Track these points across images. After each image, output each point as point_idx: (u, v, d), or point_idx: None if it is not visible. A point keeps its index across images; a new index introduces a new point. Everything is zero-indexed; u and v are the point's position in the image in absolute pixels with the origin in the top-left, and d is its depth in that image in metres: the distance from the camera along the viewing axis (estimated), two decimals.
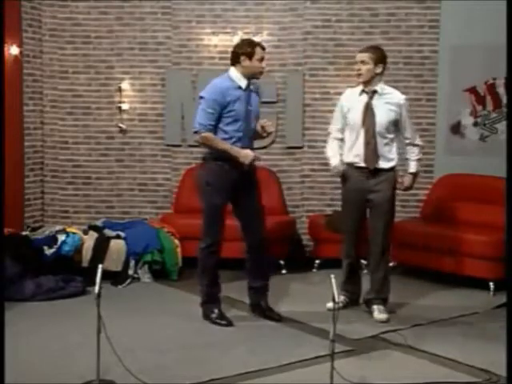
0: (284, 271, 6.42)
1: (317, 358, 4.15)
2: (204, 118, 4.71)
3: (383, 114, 4.89)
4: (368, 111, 4.89)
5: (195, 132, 4.79)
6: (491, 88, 6.67)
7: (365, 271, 5.47)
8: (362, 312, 5.14)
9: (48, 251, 5.81)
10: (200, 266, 4.96)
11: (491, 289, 5.69)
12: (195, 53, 6.95)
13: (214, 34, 6.91)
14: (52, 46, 6.95)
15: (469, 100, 6.74)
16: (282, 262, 6.43)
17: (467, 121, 6.76)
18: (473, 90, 6.72)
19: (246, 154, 4.71)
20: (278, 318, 5.00)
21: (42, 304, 5.31)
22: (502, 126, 6.64)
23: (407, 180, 5.12)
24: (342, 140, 5.08)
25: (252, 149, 4.87)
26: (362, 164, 4.94)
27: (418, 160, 5.12)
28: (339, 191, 6.90)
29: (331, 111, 6.86)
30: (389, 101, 4.91)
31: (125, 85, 6.96)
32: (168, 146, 7.03)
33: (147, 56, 6.96)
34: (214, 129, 4.74)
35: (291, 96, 6.89)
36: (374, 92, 4.92)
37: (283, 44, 6.87)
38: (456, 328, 4.89)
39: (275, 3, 6.87)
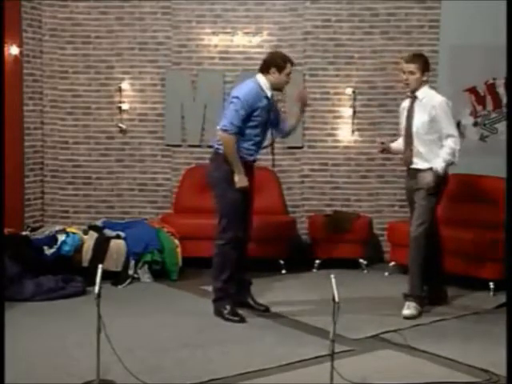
0: (284, 271, 6.42)
1: (317, 357, 4.14)
2: (237, 119, 4.81)
3: (419, 117, 5.05)
4: (409, 115, 5.11)
5: (224, 130, 4.83)
6: (491, 88, 6.68)
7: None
8: (362, 311, 5.14)
9: (48, 251, 5.81)
10: (220, 261, 4.97)
11: (491, 289, 5.69)
12: (195, 53, 6.95)
13: (214, 33, 6.91)
14: (52, 46, 6.95)
15: (469, 100, 6.74)
16: (282, 262, 6.43)
17: (467, 121, 6.76)
18: (473, 90, 6.72)
19: (243, 180, 4.84)
20: (265, 309, 5.12)
21: (42, 304, 5.31)
22: (502, 126, 6.64)
23: (426, 176, 5.03)
24: None
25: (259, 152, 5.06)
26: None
27: (447, 159, 5.01)
28: (339, 191, 6.99)
29: (331, 111, 6.95)
30: (425, 104, 5.05)
31: (125, 85, 6.96)
32: (168, 146, 7.03)
33: (147, 56, 6.97)
34: (240, 130, 4.85)
35: (291, 96, 6.87)
36: (415, 97, 5.09)
37: (283, 44, 6.87)
38: (456, 328, 4.90)
39: (275, 3, 6.87)
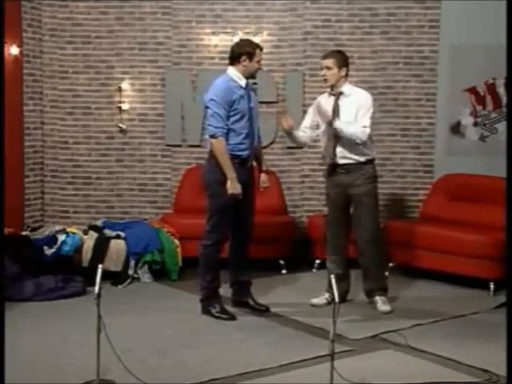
0: (284, 271, 6.43)
1: (317, 358, 4.15)
2: (220, 120, 4.82)
3: (346, 113, 5.04)
4: (334, 112, 5.07)
5: (212, 136, 4.85)
6: (491, 88, 6.68)
7: None
8: (362, 311, 5.15)
9: (48, 251, 5.81)
10: (204, 262, 5.02)
11: (491, 289, 5.69)
12: (195, 53, 6.95)
13: (213, 33, 6.91)
14: (52, 46, 6.94)
15: (469, 100, 6.74)
16: (282, 262, 6.43)
17: (467, 121, 6.77)
18: (473, 90, 6.72)
19: (235, 187, 4.81)
20: (265, 309, 5.13)
21: (42, 304, 5.31)
22: (502, 126, 6.64)
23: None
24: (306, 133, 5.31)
25: (254, 146, 5.03)
26: (330, 161, 5.12)
27: (347, 128, 5.02)
28: None
29: None
30: (353, 100, 5.06)
31: (125, 85, 6.96)
32: (168, 145, 7.03)
33: (147, 56, 6.96)
34: (227, 130, 4.85)
35: (291, 96, 6.89)
36: (340, 93, 5.09)
37: (283, 44, 6.88)
38: (456, 328, 4.90)
39: (275, 3, 6.87)
